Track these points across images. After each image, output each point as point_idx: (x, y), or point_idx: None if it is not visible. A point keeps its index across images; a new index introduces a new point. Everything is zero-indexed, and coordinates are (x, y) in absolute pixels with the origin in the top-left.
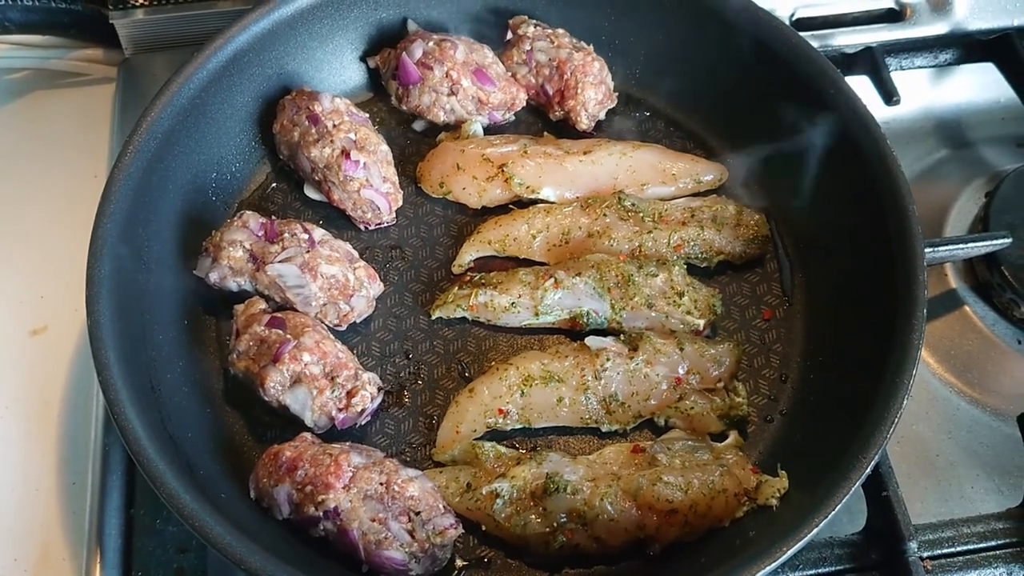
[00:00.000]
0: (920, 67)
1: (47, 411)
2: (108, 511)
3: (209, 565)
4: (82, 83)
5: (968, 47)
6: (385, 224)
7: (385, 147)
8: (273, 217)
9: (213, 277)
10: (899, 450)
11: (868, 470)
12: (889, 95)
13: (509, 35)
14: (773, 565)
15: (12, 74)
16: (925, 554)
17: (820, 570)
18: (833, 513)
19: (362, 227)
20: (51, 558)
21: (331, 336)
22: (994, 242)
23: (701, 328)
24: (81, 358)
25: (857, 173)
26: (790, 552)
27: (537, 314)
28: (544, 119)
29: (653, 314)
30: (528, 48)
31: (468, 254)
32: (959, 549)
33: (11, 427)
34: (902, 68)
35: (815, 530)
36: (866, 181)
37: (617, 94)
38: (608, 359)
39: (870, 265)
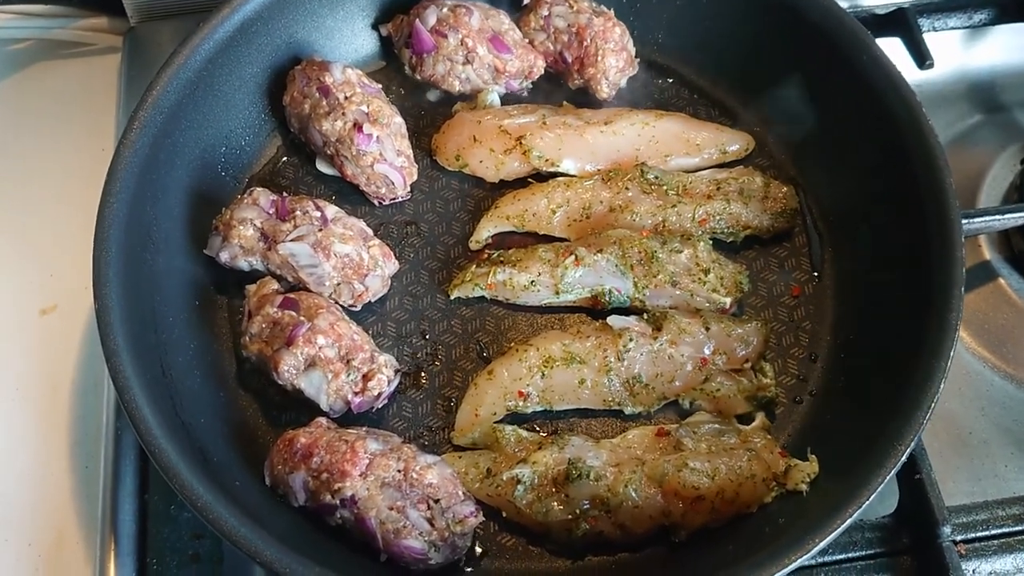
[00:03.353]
0: (953, 28)
1: (57, 393)
2: (121, 497)
3: (225, 551)
4: (87, 53)
5: (1003, 6)
6: (400, 199)
7: (399, 119)
8: (284, 194)
9: (224, 256)
10: (930, 428)
11: (904, 457)
12: (923, 58)
13: (526, 0)
14: (805, 557)
15: (15, 44)
16: (958, 538)
17: (850, 554)
18: (867, 503)
19: (376, 202)
20: (65, 543)
21: (346, 317)
22: None
23: (728, 306)
24: (92, 337)
25: (890, 143)
26: (822, 543)
27: (557, 292)
28: (563, 88)
29: (678, 292)
30: (546, 13)
31: (486, 230)
32: (993, 532)
33: (22, 409)
34: (935, 29)
35: (849, 520)
36: (900, 152)
37: (638, 61)
38: (631, 339)
39: (904, 239)
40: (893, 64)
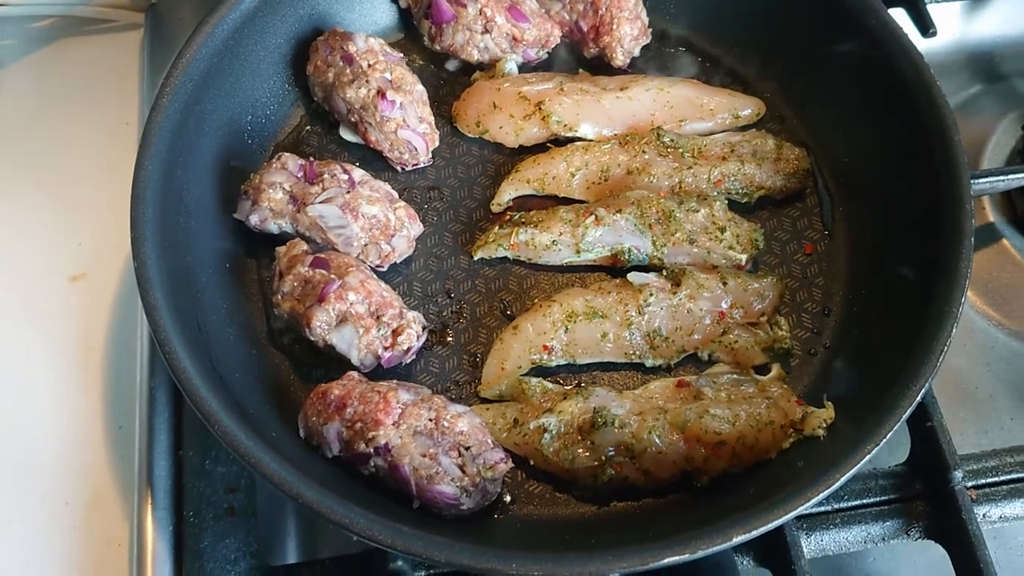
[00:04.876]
0: None
1: (91, 357)
2: (156, 453)
3: (259, 504)
4: (109, 30)
5: None
6: (422, 165)
7: (420, 87)
8: (312, 158)
9: (254, 220)
10: (938, 383)
11: (919, 399)
12: (926, 27)
13: None
14: (824, 494)
15: (38, 22)
16: (969, 483)
17: (864, 500)
18: (884, 442)
19: (399, 168)
20: (102, 501)
21: (374, 276)
22: None
23: (743, 263)
24: (122, 303)
25: (900, 105)
26: (841, 481)
27: (578, 252)
28: (578, 56)
29: (695, 250)
30: None
31: (507, 193)
32: (1003, 478)
33: (56, 374)
34: (936, 0)
35: (866, 459)
36: (909, 113)
37: (651, 30)
38: (651, 294)
39: (913, 197)
40: (900, 27)
